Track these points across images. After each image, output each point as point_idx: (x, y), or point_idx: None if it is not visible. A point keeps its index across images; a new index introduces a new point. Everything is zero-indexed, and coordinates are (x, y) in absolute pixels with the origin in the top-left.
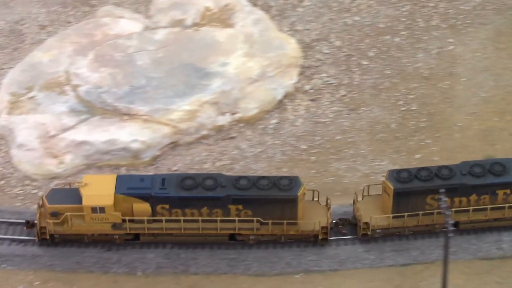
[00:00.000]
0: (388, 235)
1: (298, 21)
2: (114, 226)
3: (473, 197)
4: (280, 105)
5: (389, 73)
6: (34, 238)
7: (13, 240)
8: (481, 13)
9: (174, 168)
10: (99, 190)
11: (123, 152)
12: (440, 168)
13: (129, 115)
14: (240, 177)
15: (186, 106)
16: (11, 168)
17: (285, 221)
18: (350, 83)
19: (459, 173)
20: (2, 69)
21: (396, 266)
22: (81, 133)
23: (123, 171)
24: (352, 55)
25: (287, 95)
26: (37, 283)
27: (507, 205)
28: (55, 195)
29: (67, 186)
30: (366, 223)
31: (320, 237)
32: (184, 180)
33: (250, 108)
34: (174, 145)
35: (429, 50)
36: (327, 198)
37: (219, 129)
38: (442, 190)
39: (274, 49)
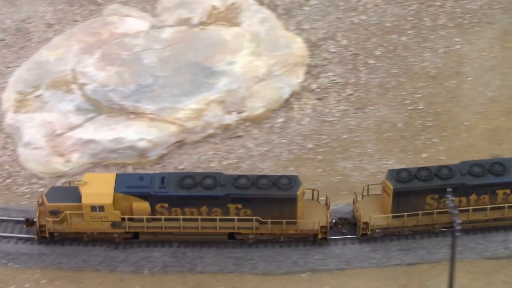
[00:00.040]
0: (387, 235)
1: (305, 20)
2: (114, 224)
3: (473, 197)
4: (286, 104)
5: (396, 72)
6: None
7: (20, 239)
8: (488, 12)
9: (181, 167)
10: (98, 189)
11: (130, 150)
12: (440, 168)
13: (136, 114)
14: (239, 176)
15: (192, 104)
16: (18, 166)
17: (284, 220)
18: (357, 82)
19: (458, 173)
20: (9, 67)
21: (403, 265)
22: (88, 132)
23: (129, 170)
24: (359, 54)
25: (294, 94)
26: (44, 281)
27: (507, 205)
28: (55, 193)
29: (67, 184)
30: (366, 222)
31: (319, 237)
32: (183, 179)
33: (256, 107)
34: (180, 144)
35: (436, 49)
36: (326, 198)
37: (226, 128)
38: (449, 189)
39: (280, 48)
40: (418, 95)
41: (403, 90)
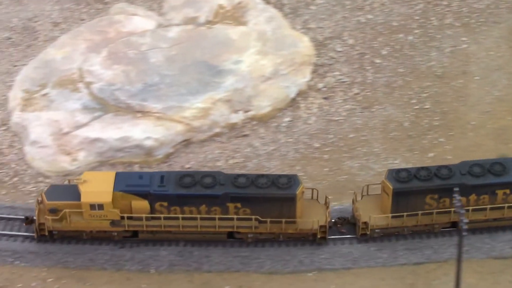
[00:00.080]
0: (387, 235)
1: (311, 19)
2: (113, 223)
3: (473, 197)
4: (293, 103)
5: (402, 71)
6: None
7: (27, 237)
8: (494, 11)
9: (187, 166)
10: (98, 187)
11: (136, 149)
12: (440, 168)
13: (142, 113)
14: (238, 175)
15: (199, 103)
16: (25, 165)
17: (283, 220)
18: (363, 81)
19: (458, 173)
20: (16, 66)
21: (409, 265)
22: (95, 130)
23: (136, 168)
24: (365, 53)
25: (300, 93)
26: (50, 280)
27: (506, 205)
28: (54, 191)
29: (66, 183)
30: (365, 222)
31: (318, 236)
32: (182, 177)
33: (263, 106)
34: (187, 143)
35: (443, 48)
36: (326, 197)
37: (232, 126)
38: (456, 189)
39: (287, 47)
40: (424, 95)
41: (409, 90)
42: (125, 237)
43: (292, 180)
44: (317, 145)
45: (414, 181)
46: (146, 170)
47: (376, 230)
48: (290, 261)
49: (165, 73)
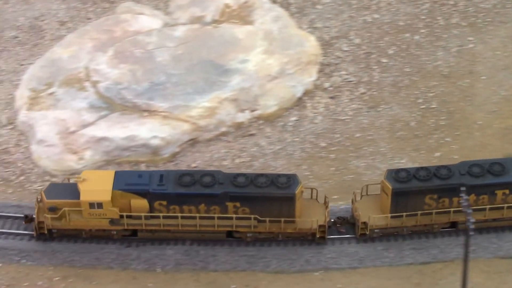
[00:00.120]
0: (386, 235)
1: (318, 18)
2: (112, 221)
3: (472, 197)
4: (299, 103)
5: (409, 71)
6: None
7: (33, 236)
8: (501, 11)
9: (194, 165)
10: (97, 186)
11: (143, 148)
12: (439, 168)
13: (149, 112)
14: (237, 175)
15: (205, 102)
16: (31, 164)
17: (282, 219)
18: (370, 80)
19: (457, 173)
20: (22, 65)
21: (416, 264)
22: (101, 129)
23: (142, 168)
24: (372, 53)
25: (307, 93)
26: (57, 278)
27: (506, 205)
28: (54, 190)
29: (66, 181)
30: (364, 222)
31: (317, 236)
32: (182, 176)
33: (269, 105)
34: (193, 142)
35: (449, 48)
36: (325, 197)
37: (239, 126)
38: (463, 188)
39: (293, 47)
40: (431, 94)
41: (416, 89)
42: (124, 235)
43: (291, 180)
44: (323, 144)
45: (413, 181)
46: (152, 169)
47: (376, 230)
48: (297, 261)
49: (171, 72)
